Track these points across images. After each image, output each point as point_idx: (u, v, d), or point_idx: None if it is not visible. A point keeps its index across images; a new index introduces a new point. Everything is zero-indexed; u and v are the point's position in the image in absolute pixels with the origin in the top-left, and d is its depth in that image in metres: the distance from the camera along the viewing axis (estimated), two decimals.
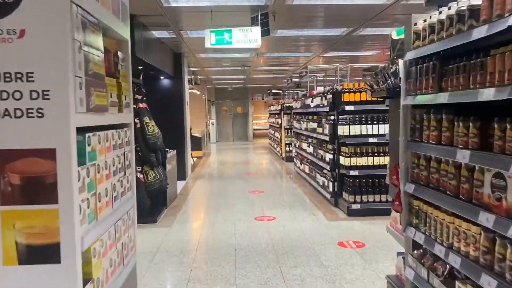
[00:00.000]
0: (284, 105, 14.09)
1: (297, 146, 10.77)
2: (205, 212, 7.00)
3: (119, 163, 2.43)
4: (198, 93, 19.53)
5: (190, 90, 17.60)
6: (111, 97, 2.24)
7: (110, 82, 2.24)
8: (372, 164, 6.43)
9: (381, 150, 6.46)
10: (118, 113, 2.46)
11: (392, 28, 7.92)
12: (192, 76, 14.59)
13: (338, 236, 5.39)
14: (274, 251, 4.89)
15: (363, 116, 6.48)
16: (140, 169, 6.28)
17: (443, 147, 2.42)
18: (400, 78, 3.02)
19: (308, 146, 9.08)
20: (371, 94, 3.37)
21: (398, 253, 3.61)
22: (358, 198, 6.39)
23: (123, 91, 2.53)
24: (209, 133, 22.55)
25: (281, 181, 10.37)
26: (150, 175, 6.35)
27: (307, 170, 9.38)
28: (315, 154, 8.39)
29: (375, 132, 6.44)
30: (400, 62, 2.85)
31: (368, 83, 3.30)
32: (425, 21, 2.68)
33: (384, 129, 6.44)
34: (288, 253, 4.84)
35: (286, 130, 13.76)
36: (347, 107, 6.43)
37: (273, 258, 4.65)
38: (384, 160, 6.42)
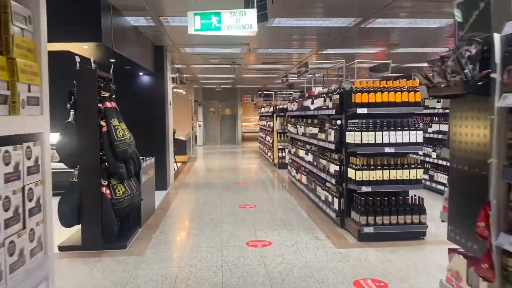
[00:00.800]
0: (277, 107, 12.98)
1: (292, 152, 9.67)
2: (186, 234, 5.84)
3: (7, 210, 1.29)
4: (184, 93, 18.37)
5: (174, 90, 16.43)
6: None
7: None
8: (388, 178, 5.35)
9: (399, 162, 5.39)
10: (9, 115, 1.32)
11: (407, 19, 6.88)
12: (177, 74, 13.41)
13: (352, 272, 4.29)
14: None
15: (378, 121, 5.40)
16: (106, 183, 5.11)
17: None
18: (481, 66, 1.95)
19: (306, 154, 7.98)
20: (428, 92, 2.28)
21: None
22: (371, 219, 5.30)
23: (20, 76, 1.38)
24: (196, 136, 21.38)
25: (274, 192, 9.26)
26: (118, 190, 5.18)
27: (304, 181, 8.28)
28: (315, 164, 7.29)
29: (392, 140, 5.37)
30: (496, 37, 1.76)
31: (423, 75, 2.20)
32: None
33: (403, 136, 5.39)
34: None
35: (279, 134, 12.66)
36: (359, 110, 5.34)
37: None
38: (402, 174, 5.36)
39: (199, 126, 22.03)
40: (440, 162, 8.03)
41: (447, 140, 2.53)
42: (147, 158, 6.83)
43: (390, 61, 7.01)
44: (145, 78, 9.17)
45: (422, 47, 9.73)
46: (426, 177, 8.39)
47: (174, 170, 11.42)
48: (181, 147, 13.99)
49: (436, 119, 8.28)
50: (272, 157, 13.47)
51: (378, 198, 5.35)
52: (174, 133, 11.62)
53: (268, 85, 19.84)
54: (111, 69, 5.73)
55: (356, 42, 9.04)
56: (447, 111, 7.92)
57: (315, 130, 7.23)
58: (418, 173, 5.40)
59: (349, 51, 10.04)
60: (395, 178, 5.35)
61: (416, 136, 5.40)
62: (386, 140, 5.36)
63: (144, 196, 6.25)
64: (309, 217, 6.65)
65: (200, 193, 8.88)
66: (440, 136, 8.03)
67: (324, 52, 10.08)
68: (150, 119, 9.07)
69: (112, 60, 6.58)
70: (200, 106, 22.82)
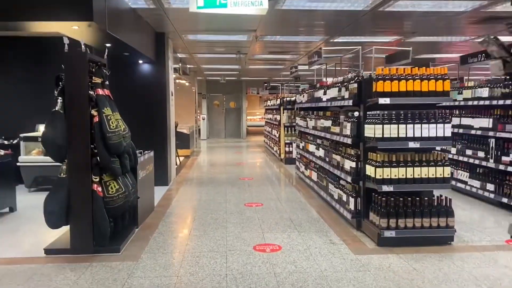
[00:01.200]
0: (285, 99, 12.41)
1: (300, 147, 9.12)
2: (186, 236, 5.32)
3: None
4: (188, 84, 17.84)
5: (177, 81, 15.89)
6: None
7: None
8: (412, 177, 4.79)
9: (424, 159, 4.83)
10: None
11: (430, 1, 6.29)
12: (180, 65, 12.87)
13: (375, 284, 3.75)
14: None
15: (402, 112, 4.84)
16: (98, 179, 4.59)
17: None
18: None
19: (317, 149, 7.42)
20: (504, 67, 1.69)
21: None
22: (392, 222, 4.75)
23: None
24: (199, 129, 20.88)
25: (281, 189, 8.71)
26: (111, 188, 4.65)
27: (314, 178, 7.74)
28: (327, 159, 6.74)
29: (417, 134, 4.81)
30: None
31: (499, 45, 1.65)
32: None
33: (429, 130, 4.82)
34: None
35: (286, 128, 12.10)
36: (381, 100, 4.77)
37: None
38: (428, 172, 4.80)
39: (203, 119, 21.52)
40: (460, 158, 7.46)
41: None
42: (146, 151, 6.31)
43: (410, 48, 6.42)
44: (145, 67, 8.63)
45: (440, 35, 9.13)
46: None
47: (176, 164, 10.91)
48: (183, 140, 13.49)
49: (457, 112, 7.70)
50: (278, 151, 12.93)
51: (401, 199, 4.80)
52: (176, 126, 11.10)
53: (274, 77, 19.26)
54: (106, 53, 5.19)
55: (370, 30, 8.46)
56: (470, 103, 7.34)
57: (327, 123, 6.66)
58: (446, 171, 4.84)
59: (361, 40, 9.45)
60: (419, 177, 4.80)
61: (444, 129, 4.84)
62: (410, 134, 4.80)
63: (142, 193, 5.74)
64: (321, 217, 6.11)
65: (203, 189, 8.36)
66: (461, 131, 7.45)
67: (335, 40, 9.50)
68: (150, 110, 8.55)
69: (108, 45, 6.04)
70: (204, 99, 22.30)
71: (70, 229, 4.63)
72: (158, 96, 8.63)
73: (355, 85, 5.33)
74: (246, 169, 11.27)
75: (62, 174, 4.61)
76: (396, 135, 4.78)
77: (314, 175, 7.77)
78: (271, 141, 14.76)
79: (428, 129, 4.82)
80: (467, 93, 7.45)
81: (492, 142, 6.67)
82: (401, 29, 8.44)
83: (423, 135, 4.80)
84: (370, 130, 4.94)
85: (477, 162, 7.06)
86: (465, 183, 7.36)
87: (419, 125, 4.81)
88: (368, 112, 5.09)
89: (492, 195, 6.67)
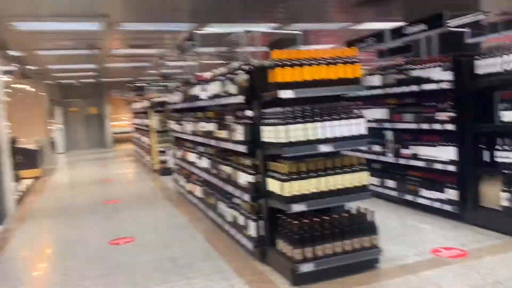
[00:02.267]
0: (153, 100, 10.75)
1: (178, 156, 7.66)
2: None
3: None
4: (33, 90, 14.86)
5: (14, 86, 13.01)
6: None
7: None
8: (328, 189, 3.74)
9: (338, 164, 3.82)
10: None
11: None
12: (18, 66, 10.33)
13: None
14: None
15: (308, 108, 3.74)
16: None
17: None
18: None
19: (199, 158, 6.07)
20: None
21: None
22: (309, 251, 3.64)
23: None
24: (54, 142, 17.82)
25: (158, 211, 7.08)
26: None
27: (199, 194, 6.36)
28: (213, 172, 5.43)
29: (329, 135, 3.76)
30: None
31: None
32: None
33: (341, 128, 3.81)
34: None
35: (158, 134, 10.46)
36: (282, 93, 3.61)
37: None
38: (344, 180, 3.80)
39: (58, 129, 18.45)
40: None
41: None
42: None
43: (300, 31, 5.45)
44: None
45: (321, 22, 8.53)
46: None
47: (20, 192, 8.53)
48: (29, 158, 10.87)
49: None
50: (151, 161, 11.22)
51: (318, 220, 3.71)
52: (13, 142, 8.69)
53: (140, 76, 17.29)
54: None
55: (242, 15, 7.40)
56: (377, 92, 6.66)
57: (210, 126, 5.34)
58: (363, 178, 3.92)
59: (235, 29, 8.34)
60: (335, 188, 3.78)
61: (358, 126, 3.89)
62: (321, 135, 3.73)
63: None
64: (213, 247, 4.77)
65: (54, 224, 6.36)
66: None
67: (206, 29, 8.23)
68: None
69: None
70: (57, 106, 19.17)
71: None
72: None
73: (246, 76, 4.09)
74: (114, 188, 9.36)
75: None
76: (304, 138, 3.67)
77: (198, 191, 6.39)
78: (142, 149, 12.94)
79: (340, 127, 3.81)
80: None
81: (389, 134, 6.10)
82: (275, 14, 7.53)
83: (336, 135, 3.77)
84: (271, 133, 3.76)
85: (374, 157, 6.46)
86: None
87: (329, 123, 3.77)
88: (264, 110, 3.89)
89: (393, 193, 6.11)
